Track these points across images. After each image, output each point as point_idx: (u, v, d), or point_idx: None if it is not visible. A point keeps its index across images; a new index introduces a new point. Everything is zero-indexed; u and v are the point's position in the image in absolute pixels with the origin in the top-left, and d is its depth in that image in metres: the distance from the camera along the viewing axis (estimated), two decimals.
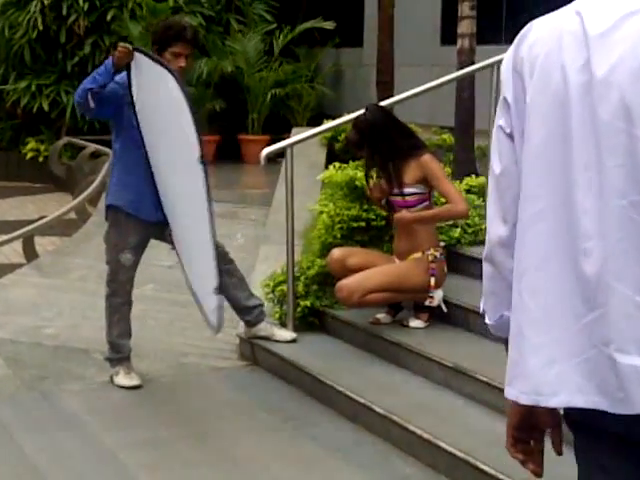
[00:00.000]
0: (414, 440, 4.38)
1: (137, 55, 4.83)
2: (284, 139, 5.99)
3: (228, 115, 13.38)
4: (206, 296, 5.14)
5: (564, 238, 1.84)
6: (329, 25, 13.30)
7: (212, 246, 4.95)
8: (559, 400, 1.86)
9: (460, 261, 5.87)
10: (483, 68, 6.20)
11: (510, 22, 10.53)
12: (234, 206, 9.64)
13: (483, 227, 6.05)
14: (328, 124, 6.29)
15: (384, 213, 5.74)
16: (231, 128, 13.39)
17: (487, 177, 5.86)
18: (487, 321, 2.10)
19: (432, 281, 5.30)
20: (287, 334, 5.66)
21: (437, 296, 5.35)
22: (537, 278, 1.87)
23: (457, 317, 5.40)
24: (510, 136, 1.95)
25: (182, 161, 4.93)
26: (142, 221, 5.18)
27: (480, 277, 5.95)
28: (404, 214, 5.29)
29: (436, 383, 4.89)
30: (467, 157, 7.20)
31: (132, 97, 4.92)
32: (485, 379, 4.62)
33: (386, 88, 8.14)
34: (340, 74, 14.05)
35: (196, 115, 4.92)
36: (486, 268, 2.06)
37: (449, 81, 6.49)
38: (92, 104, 4.83)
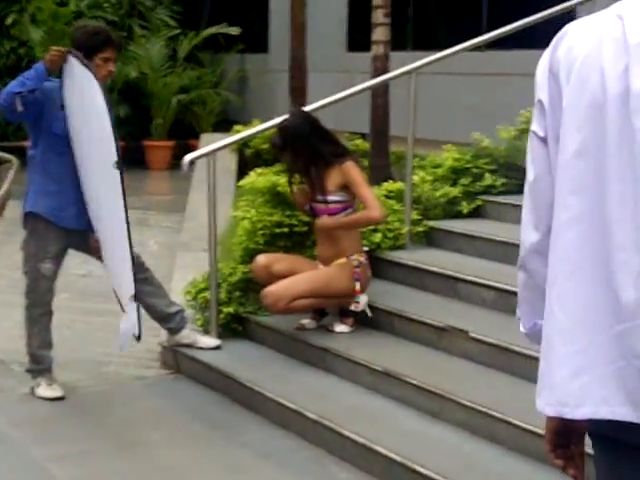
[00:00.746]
0: (348, 445, 4.39)
1: (70, 58, 4.76)
2: (189, 145, 5.94)
3: (132, 121, 13.23)
4: (128, 303, 5.07)
5: (596, 247, 1.81)
6: (234, 31, 13.26)
7: (129, 253, 4.87)
8: (583, 412, 1.83)
9: (381, 265, 5.92)
10: (402, 75, 6.24)
11: (418, 30, 10.68)
12: (144, 213, 9.54)
13: (403, 231, 6.12)
14: (249, 131, 6.26)
15: (306, 219, 5.75)
16: (135, 134, 13.25)
17: (403, 182, 5.97)
18: (521, 329, 2.08)
19: (357, 286, 5.33)
20: (211, 341, 5.62)
21: (362, 301, 5.38)
22: (567, 287, 1.85)
23: (381, 321, 5.43)
24: (544, 140, 1.92)
25: (102, 167, 4.85)
26: (63, 229, 5.08)
27: (401, 281, 6.04)
28: (324, 220, 5.32)
29: (365, 387, 4.91)
30: (383, 163, 7.26)
31: (64, 101, 4.84)
32: (414, 382, 4.66)
33: (300, 94, 8.16)
34: (245, 80, 14.02)
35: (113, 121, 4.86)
36: (520, 276, 2.05)
37: (368, 88, 6.54)
38: (20, 108, 4.72)
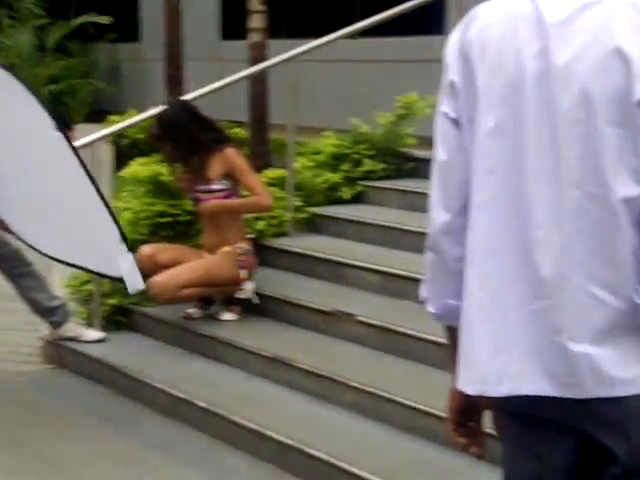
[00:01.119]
0: (239, 431, 4.41)
1: None
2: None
3: None
4: (114, 259, 4.81)
5: (514, 226, 1.81)
6: (104, 20, 13.05)
7: (101, 205, 4.52)
8: (504, 389, 1.84)
9: (266, 253, 5.93)
10: (281, 62, 6.26)
11: (293, 17, 10.71)
12: None
13: (286, 218, 6.15)
14: (130, 120, 6.18)
15: (190, 208, 5.73)
16: None
17: (284, 170, 5.96)
18: (429, 309, 2.05)
19: (242, 273, 5.34)
20: (95, 334, 5.55)
21: (248, 288, 5.39)
22: (486, 266, 1.85)
23: (268, 308, 5.46)
24: (455, 122, 1.90)
25: (43, 140, 4.55)
26: None
27: (286, 268, 6.07)
28: (211, 203, 5.31)
29: (255, 374, 4.92)
30: (262, 150, 7.26)
31: None
32: (303, 367, 4.70)
33: (175, 83, 8.09)
34: (117, 69, 13.82)
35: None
36: (428, 256, 2.01)
37: (249, 75, 6.55)
38: None
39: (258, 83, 7.12)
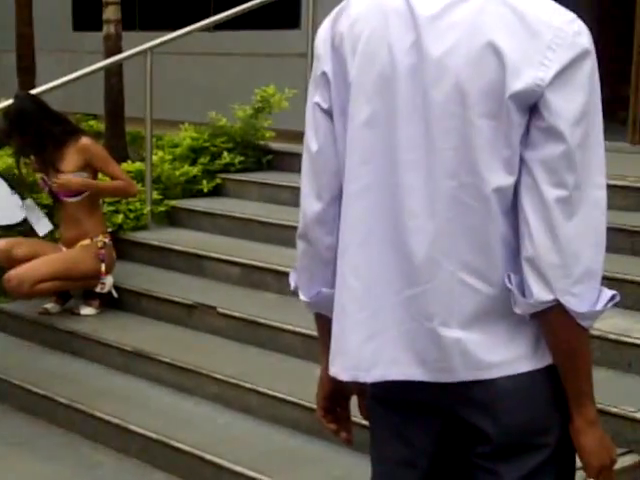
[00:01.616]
0: (102, 426, 4.38)
1: None
2: None
3: None
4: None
5: (387, 216, 1.84)
6: None
7: None
8: (375, 374, 1.88)
9: (125, 247, 5.89)
10: (137, 54, 6.23)
11: (146, 9, 10.61)
12: None
13: (145, 211, 6.13)
14: None
15: (48, 201, 5.65)
16: None
17: (141, 162, 5.94)
18: (301, 297, 2.06)
19: (102, 267, 5.30)
20: None
21: (108, 282, 5.35)
22: (359, 255, 1.88)
23: (128, 302, 5.43)
24: (327, 112, 1.92)
25: None
26: None
27: (146, 261, 6.03)
28: (70, 178, 5.23)
29: (116, 369, 4.89)
30: (118, 143, 7.20)
31: None
32: (166, 360, 4.70)
33: (28, 74, 7.93)
34: None
35: None
36: (300, 245, 2.02)
37: (102, 68, 6.47)
38: None
39: (113, 75, 7.06)
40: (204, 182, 6.51)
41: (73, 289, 5.47)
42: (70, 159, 5.27)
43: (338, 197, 1.95)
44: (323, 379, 2.08)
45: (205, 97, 8.57)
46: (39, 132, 5.24)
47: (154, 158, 6.49)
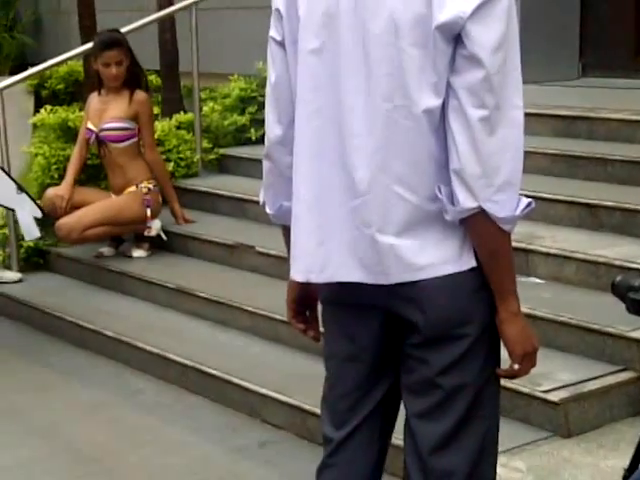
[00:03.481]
0: (144, 357, 4.72)
1: None
2: None
3: None
4: (16, 202, 5.26)
5: (335, 135, 2.08)
6: None
7: None
8: (325, 276, 2.13)
9: (176, 193, 6.19)
10: (182, 9, 6.50)
11: None
12: None
13: (195, 159, 6.42)
14: (34, 69, 6.39)
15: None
16: None
17: (193, 114, 6.21)
18: (267, 211, 2.32)
19: (148, 212, 5.61)
20: (12, 275, 5.81)
21: (154, 226, 5.66)
22: (310, 171, 2.13)
23: (176, 244, 5.76)
24: (281, 44, 2.16)
25: None
26: None
27: (195, 207, 6.32)
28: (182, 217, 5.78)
29: (160, 305, 5.23)
30: (174, 96, 7.49)
31: None
32: (205, 295, 5.02)
33: (89, 33, 8.23)
34: (40, 23, 13.86)
35: None
36: (265, 164, 2.28)
37: (151, 22, 6.76)
38: None
39: (166, 31, 7.33)
40: (252, 131, 6.77)
41: (121, 234, 5.81)
42: (123, 106, 5.57)
43: (294, 121, 2.19)
44: (291, 283, 2.33)
45: (253, 49, 8.79)
46: (134, 67, 5.60)
47: (205, 109, 6.79)
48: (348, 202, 2.10)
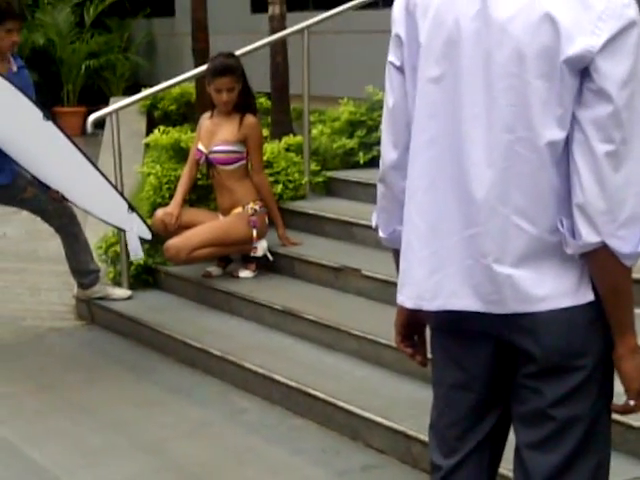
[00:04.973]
0: (249, 377, 4.77)
1: None
2: (100, 110, 6.18)
3: (42, 88, 13.30)
4: (126, 221, 5.36)
5: (452, 164, 2.09)
6: None
7: (102, 178, 5.15)
8: (437, 304, 2.14)
9: (283, 215, 6.23)
10: (294, 33, 6.58)
11: None
12: None
13: (303, 182, 6.47)
14: (148, 90, 6.53)
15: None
16: (46, 101, 13.32)
17: (302, 136, 6.28)
18: (380, 234, 2.35)
19: (254, 233, 5.68)
20: (122, 292, 5.93)
21: (261, 247, 5.72)
22: (425, 199, 2.14)
23: (283, 265, 5.80)
24: (400, 70, 2.18)
25: (36, 131, 5.06)
26: None
27: (301, 228, 6.37)
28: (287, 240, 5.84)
29: (267, 326, 5.27)
30: (284, 119, 7.58)
31: None
32: (311, 318, 5.04)
33: (202, 55, 8.40)
34: (153, 44, 14.20)
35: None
36: (380, 188, 2.31)
37: (263, 45, 6.84)
38: None
39: (278, 54, 7.42)
40: (360, 154, 6.80)
41: (228, 254, 5.88)
42: (233, 129, 5.66)
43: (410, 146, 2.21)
44: (400, 308, 2.34)
45: (363, 73, 8.84)
46: (246, 92, 5.69)
47: (314, 132, 6.84)
48: (463, 231, 2.10)
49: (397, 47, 2.20)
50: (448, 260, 2.13)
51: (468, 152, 2.07)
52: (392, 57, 2.21)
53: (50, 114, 5.03)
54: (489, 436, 2.28)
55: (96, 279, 5.90)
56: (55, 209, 5.60)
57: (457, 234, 2.11)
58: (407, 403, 4.23)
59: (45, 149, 5.18)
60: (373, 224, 2.39)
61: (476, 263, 2.09)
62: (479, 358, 2.21)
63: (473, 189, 2.07)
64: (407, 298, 2.21)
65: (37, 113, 4.94)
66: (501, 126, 2.03)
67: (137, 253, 5.39)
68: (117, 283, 6.09)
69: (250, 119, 5.66)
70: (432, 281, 2.15)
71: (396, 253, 2.34)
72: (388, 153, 2.26)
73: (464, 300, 2.12)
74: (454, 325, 2.21)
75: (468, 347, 2.22)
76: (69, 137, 5.00)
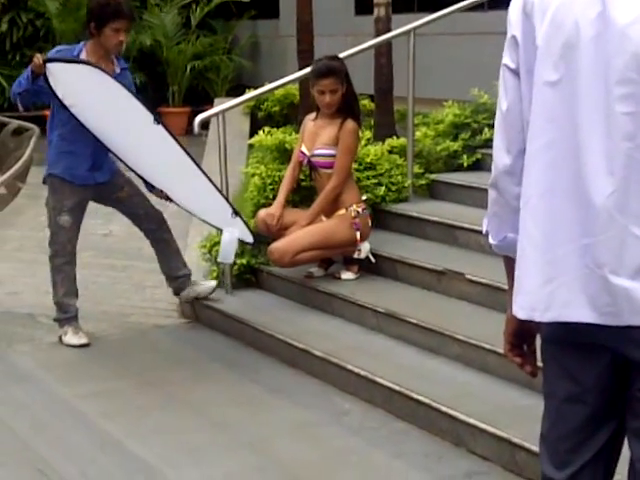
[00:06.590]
0: (352, 378, 4.75)
1: (49, 66, 5.01)
2: (204, 110, 6.25)
3: (148, 88, 13.55)
4: (228, 224, 5.46)
5: (568, 170, 2.04)
6: None
7: (209, 183, 5.29)
8: (550, 315, 2.10)
9: (386, 217, 6.26)
10: (400, 35, 6.55)
11: None
12: None
13: (406, 184, 6.44)
14: (255, 92, 6.58)
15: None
16: (152, 101, 13.54)
17: (406, 139, 6.25)
18: (490, 241, 2.31)
19: (357, 235, 5.66)
20: (207, 287, 5.95)
21: (364, 249, 5.71)
22: (540, 206, 2.09)
23: (385, 268, 5.78)
24: (515, 72, 2.15)
25: (146, 133, 5.19)
26: (77, 186, 5.46)
27: (404, 231, 6.36)
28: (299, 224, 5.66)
29: (369, 328, 5.26)
30: (387, 120, 7.56)
31: (60, 100, 5.16)
32: (414, 321, 5.01)
33: (307, 57, 8.44)
34: (257, 46, 14.30)
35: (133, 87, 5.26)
36: (491, 193, 2.27)
37: (369, 47, 6.84)
38: (20, 108, 5.42)
39: (382, 56, 7.41)
40: (464, 157, 6.74)
41: (331, 256, 5.87)
42: (332, 133, 5.65)
43: (524, 151, 2.16)
44: (510, 317, 2.29)
45: (468, 75, 8.77)
46: (350, 95, 5.68)
47: (418, 134, 6.81)
48: (579, 239, 2.05)
49: (513, 49, 2.15)
50: (563, 269, 2.08)
51: (585, 159, 2.02)
52: (507, 59, 2.17)
53: (159, 117, 5.12)
54: (603, 450, 2.23)
55: (184, 283, 5.92)
56: (146, 214, 5.70)
57: (573, 242, 2.06)
58: (512, 410, 4.17)
59: (153, 150, 5.28)
60: (484, 230, 2.34)
61: (591, 273, 2.04)
62: (593, 370, 2.16)
63: (592, 196, 2.02)
64: (520, 308, 2.17)
65: (148, 116, 5.04)
66: (620, 134, 1.98)
67: (227, 258, 5.45)
68: (220, 282, 6.13)
69: (349, 125, 5.64)
70: (546, 291, 2.10)
71: (507, 260, 2.30)
72: (501, 158, 2.21)
73: (578, 310, 2.07)
74: (567, 336, 2.16)
75: (582, 359, 2.17)
76: (177, 140, 5.08)
